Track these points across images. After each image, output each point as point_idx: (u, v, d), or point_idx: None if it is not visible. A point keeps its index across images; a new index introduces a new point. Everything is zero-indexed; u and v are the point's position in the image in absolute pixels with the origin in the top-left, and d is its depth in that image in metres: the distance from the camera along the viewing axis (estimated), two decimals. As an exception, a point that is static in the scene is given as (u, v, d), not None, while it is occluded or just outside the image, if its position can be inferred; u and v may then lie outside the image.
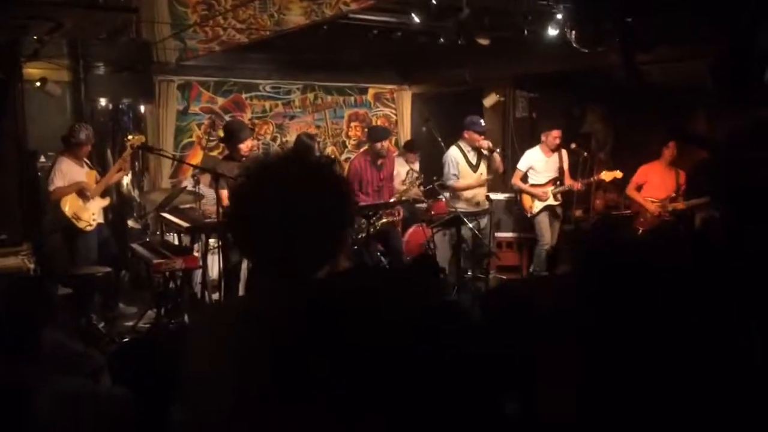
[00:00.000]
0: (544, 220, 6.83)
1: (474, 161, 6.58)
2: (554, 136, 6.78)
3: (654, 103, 6.00)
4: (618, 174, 6.57)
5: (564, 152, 6.89)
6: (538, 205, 6.85)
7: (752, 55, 3.61)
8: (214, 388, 1.32)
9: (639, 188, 6.61)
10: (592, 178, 6.72)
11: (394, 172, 7.05)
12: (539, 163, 6.89)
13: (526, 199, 6.96)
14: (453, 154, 6.55)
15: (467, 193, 6.57)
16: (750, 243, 1.46)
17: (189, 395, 1.41)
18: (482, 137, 6.50)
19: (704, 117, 6.67)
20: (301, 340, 1.22)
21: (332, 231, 1.36)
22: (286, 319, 1.26)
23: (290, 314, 1.26)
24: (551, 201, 6.82)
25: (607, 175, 6.60)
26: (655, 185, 6.53)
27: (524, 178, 6.98)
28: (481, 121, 6.63)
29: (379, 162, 6.48)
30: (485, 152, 6.54)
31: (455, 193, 6.61)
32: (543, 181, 6.86)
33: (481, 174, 6.63)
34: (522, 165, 6.98)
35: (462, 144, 6.56)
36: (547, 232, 6.83)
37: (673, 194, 6.47)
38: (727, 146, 1.65)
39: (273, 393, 1.22)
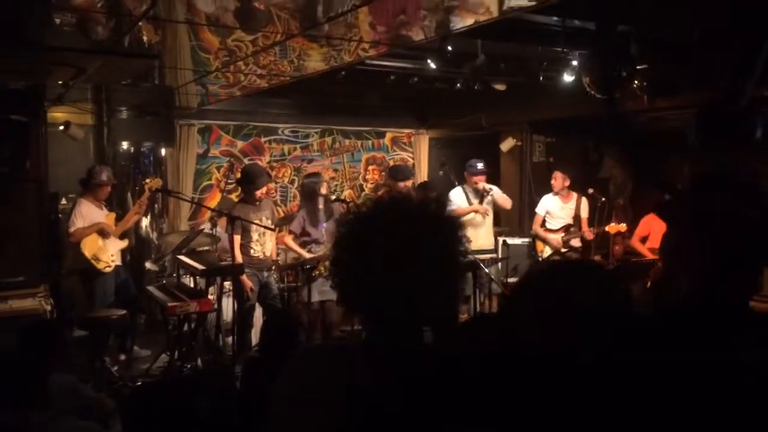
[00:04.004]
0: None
1: (475, 203, 6.68)
2: (554, 177, 6.85)
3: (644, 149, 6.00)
4: (622, 227, 6.52)
5: (584, 200, 6.86)
6: (548, 251, 6.86)
7: (738, 107, 3.63)
8: None
9: (643, 240, 6.52)
10: (601, 229, 6.65)
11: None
12: (554, 208, 6.91)
13: (539, 243, 7.00)
14: (455, 194, 6.73)
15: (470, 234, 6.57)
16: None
17: None
18: (480, 178, 6.57)
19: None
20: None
21: (453, 278, 1.29)
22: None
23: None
24: (548, 251, 6.83)
25: (612, 228, 6.53)
26: (659, 236, 6.39)
27: (543, 222, 6.99)
28: (479, 163, 6.69)
29: None
30: (484, 194, 6.62)
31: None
32: (557, 227, 6.87)
33: (483, 216, 6.68)
34: (539, 209, 7.02)
35: (465, 187, 6.73)
36: None
37: None
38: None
39: None
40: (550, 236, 6.82)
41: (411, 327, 1.26)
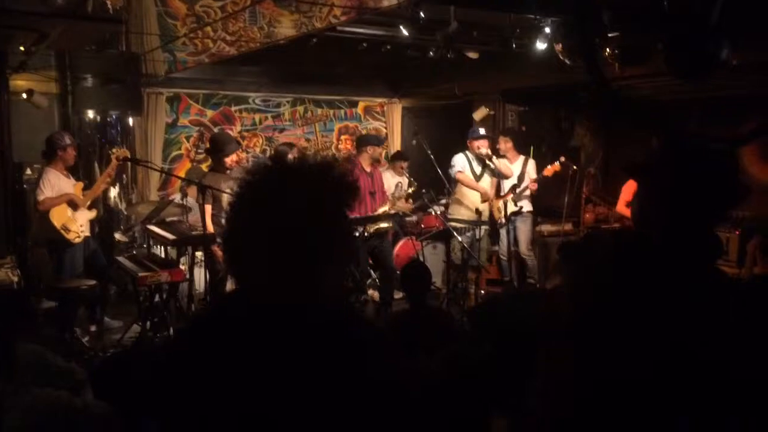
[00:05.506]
0: (502, 230, 6.91)
1: (478, 171, 6.73)
2: (499, 141, 7.03)
3: (639, 116, 6.05)
4: (557, 167, 6.62)
5: (531, 161, 6.95)
6: (509, 209, 6.84)
7: (707, 31, 3.71)
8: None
9: (629, 204, 6.62)
10: (541, 175, 6.78)
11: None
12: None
13: (495, 208, 7.01)
14: (459, 158, 6.75)
15: (469, 200, 6.63)
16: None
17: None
18: (482, 143, 6.59)
19: (693, 131, 6.70)
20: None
21: (326, 241, 1.28)
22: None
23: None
24: (511, 207, 6.77)
25: (548, 171, 6.69)
26: None
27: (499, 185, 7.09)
28: (480, 129, 6.76)
29: (369, 170, 6.49)
30: (486, 161, 6.65)
31: (457, 198, 6.69)
32: (507, 189, 6.93)
33: (485, 184, 6.72)
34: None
35: (468, 153, 6.77)
36: (503, 243, 6.92)
37: None
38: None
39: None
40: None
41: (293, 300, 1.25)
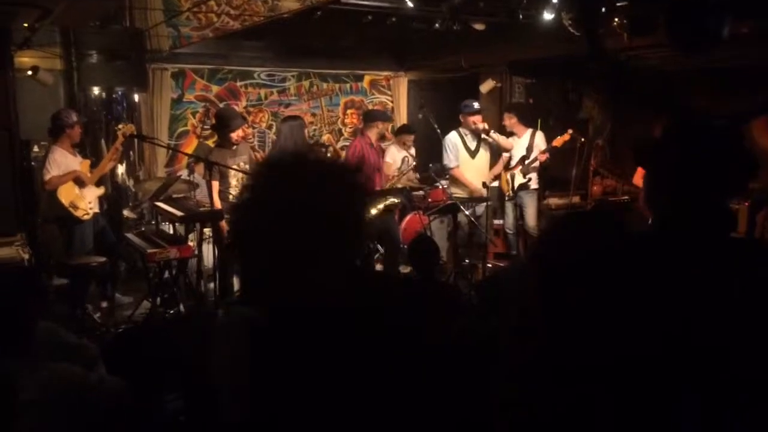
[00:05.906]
0: (509, 204, 6.89)
1: (473, 147, 6.61)
2: (503, 118, 6.92)
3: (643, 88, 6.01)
4: (566, 137, 6.54)
5: (539, 134, 6.86)
6: (516, 183, 6.85)
7: (708, 4, 3.67)
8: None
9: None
10: (550, 146, 6.68)
11: (389, 159, 7.07)
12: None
13: (503, 182, 6.98)
14: (451, 139, 6.59)
15: (464, 180, 6.59)
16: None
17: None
18: (477, 118, 6.50)
19: (702, 102, 6.62)
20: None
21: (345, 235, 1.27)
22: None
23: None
24: (520, 179, 6.73)
25: (557, 141, 6.60)
26: None
27: (509, 160, 6.99)
28: (474, 103, 6.62)
29: (376, 145, 6.48)
30: (483, 135, 6.56)
31: (453, 178, 6.64)
32: (514, 163, 6.87)
33: (481, 160, 6.64)
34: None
35: (461, 129, 6.61)
36: (508, 218, 6.94)
37: None
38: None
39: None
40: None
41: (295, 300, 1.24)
